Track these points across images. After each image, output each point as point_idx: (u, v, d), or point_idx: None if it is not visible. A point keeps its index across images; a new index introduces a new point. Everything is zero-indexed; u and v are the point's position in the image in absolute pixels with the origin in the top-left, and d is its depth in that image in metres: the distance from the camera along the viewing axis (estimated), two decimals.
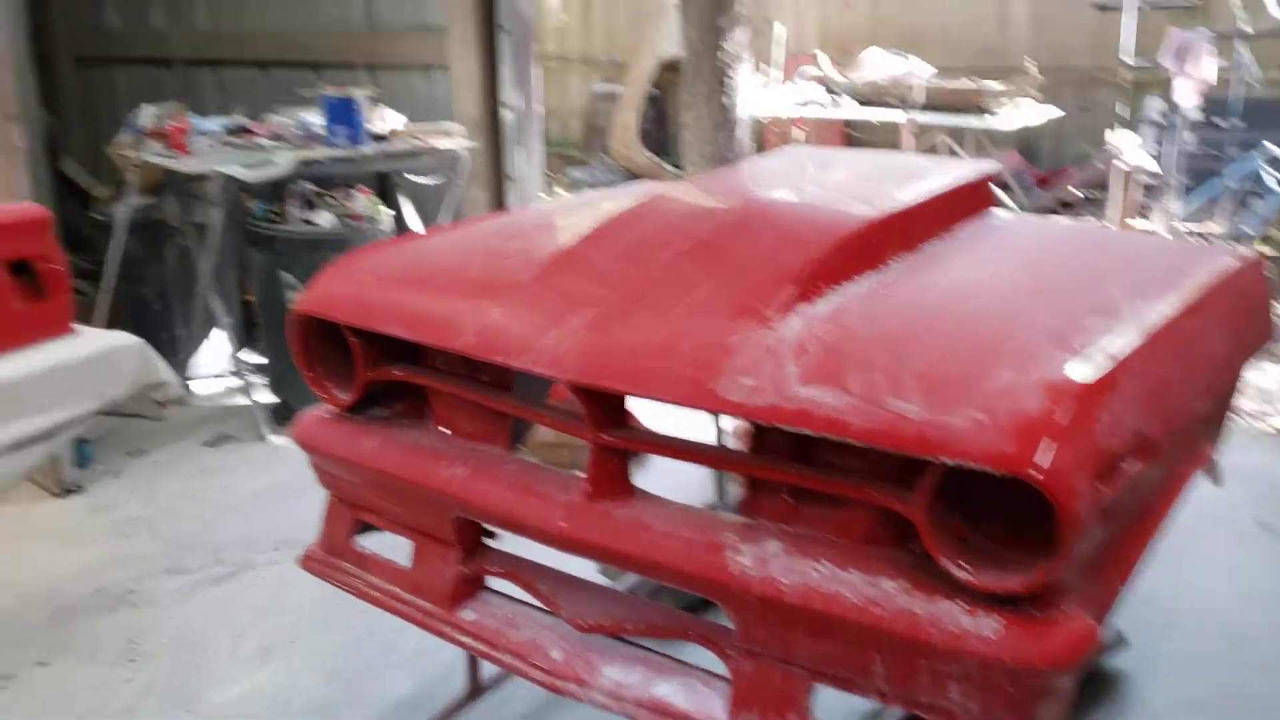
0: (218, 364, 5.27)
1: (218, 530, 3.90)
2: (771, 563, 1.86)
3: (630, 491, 2.15)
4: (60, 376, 2.50)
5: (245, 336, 5.01)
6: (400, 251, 2.87)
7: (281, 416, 4.80)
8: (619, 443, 2.12)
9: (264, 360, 4.99)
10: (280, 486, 4.23)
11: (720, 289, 2.13)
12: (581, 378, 2.05)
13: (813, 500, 1.94)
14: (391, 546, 2.54)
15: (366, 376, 2.58)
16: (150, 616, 3.39)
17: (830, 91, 7.62)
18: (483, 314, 2.34)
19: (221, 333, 4.92)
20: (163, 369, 2.76)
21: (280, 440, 4.66)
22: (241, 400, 4.87)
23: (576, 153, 9.35)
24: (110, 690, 3.05)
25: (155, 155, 4.59)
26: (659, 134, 8.99)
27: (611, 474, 2.14)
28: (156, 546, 3.81)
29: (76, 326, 2.69)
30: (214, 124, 4.92)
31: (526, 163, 5.06)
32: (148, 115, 4.89)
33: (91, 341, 2.65)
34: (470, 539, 2.44)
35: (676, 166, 7.94)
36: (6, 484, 2.42)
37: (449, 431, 2.55)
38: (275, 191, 4.61)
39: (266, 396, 4.88)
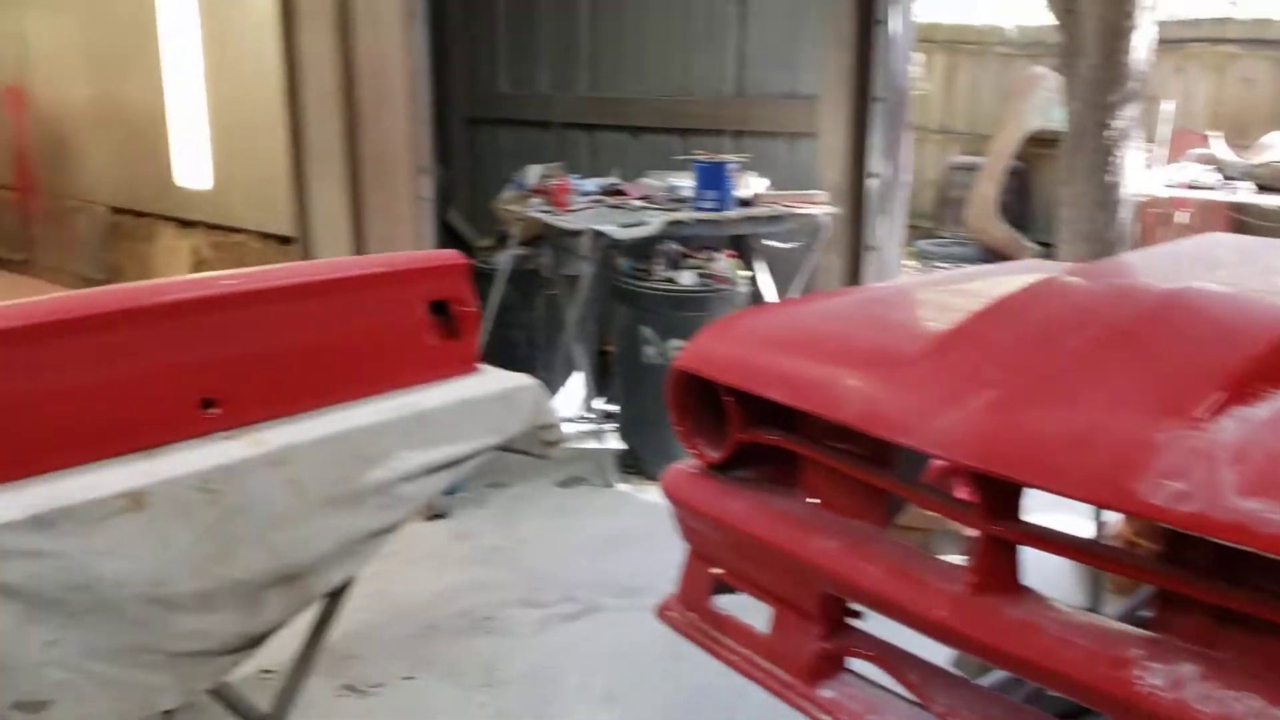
0: (572, 409, 5.54)
1: (569, 568, 4.07)
2: (1187, 687, 1.69)
3: (1019, 588, 2.03)
4: (468, 410, 2.69)
5: (599, 385, 5.23)
6: (781, 315, 2.88)
7: (629, 464, 4.97)
8: (1012, 535, 2.01)
9: (615, 408, 5.18)
10: (628, 532, 4.37)
11: (1141, 382, 1.98)
12: (979, 463, 1.96)
13: (1239, 623, 1.75)
14: (746, 607, 2.55)
15: (739, 437, 2.61)
16: (506, 645, 3.57)
17: (1222, 174, 7.08)
18: (869, 385, 2.30)
19: (579, 379, 5.17)
20: (554, 412, 2.92)
21: (627, 487, 4.81)
22: (592, 445, 5.09)
23: (928, 224, 9.20)
24: (466, 711, 3.22)
25: (538, 211, 4.90)
26: (1019, 208, 8.67)
27: (1001, 567, 2.03)
28: (513, 577, 4.02)
29: (481, 365, 2.89)
30: (591, 184, 5.21)
31: (888, 233, 5.01)
32: (533, 174, 5.25)
33: (495, 380, 2.83)
34: (835, 616, 2.39)
35: (1039, 243, 7.62)
36: (418, 505, 2.60)
37: (819, 502, 2.52)
38: (643, 250, 4.80)
39: (616, 444, 5.06)
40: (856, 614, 2.40)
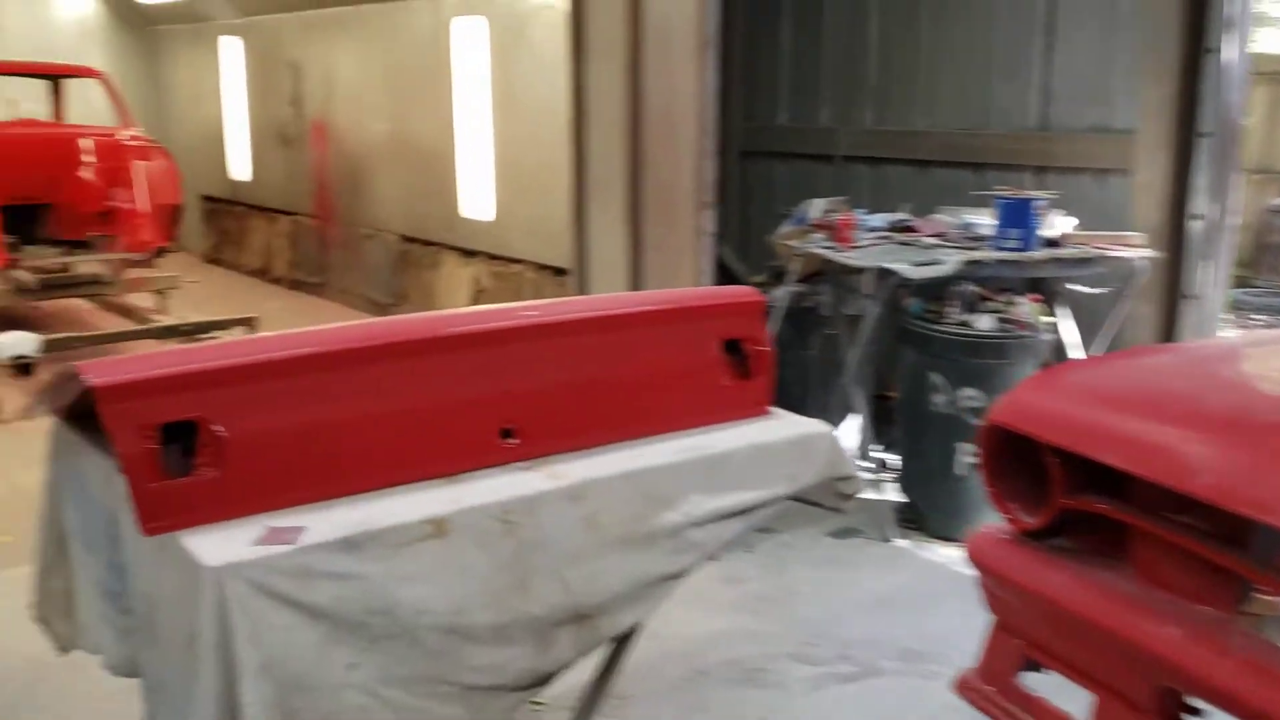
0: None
1: (844, 625, 3.87)
2: None
3: None
4: (761, 456, 2.57)
5: (876, 432, 5.00)
6: (1114, 370, 2.64)
7: (908, 518, 4.72)
8: None
9: (895, 458, 4.93)
10: (906, 592, 4.13)
11: None
12: None
13: None
14: (1057, 689, 2.30)
15: (1062, 503, 2.38)
16: (779, 699, 3.41)
17: None
18: (1226, 455, 2.04)
19: (855, 425, 4.95)
20: (850, 462, 2.76)
21: (905, 543, 4.57)
22: (868, 495, 4.85)
23: (1243, 272, 8.42)
24: None
25: (819, 247, 4.75)
26: None
27: None
28: (784, 629, 3.86)
29: (773, 409, 2.77)
30: (878, 220, 5.01)
31: (1210, 281, 4.55)
32: (815, 208, 5.10)
33: (789, 425, 2.70)
34: (1171, 711, 2.13)
35: None
36: (708, 553, 2.50)
37: (1153, 581, 2.24)
38: (935, 291, 4.55)
39: (894, 495, 4.82)
40: (1195, 710, 2.13)
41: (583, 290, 5.75)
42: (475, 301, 8.25)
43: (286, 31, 10.13)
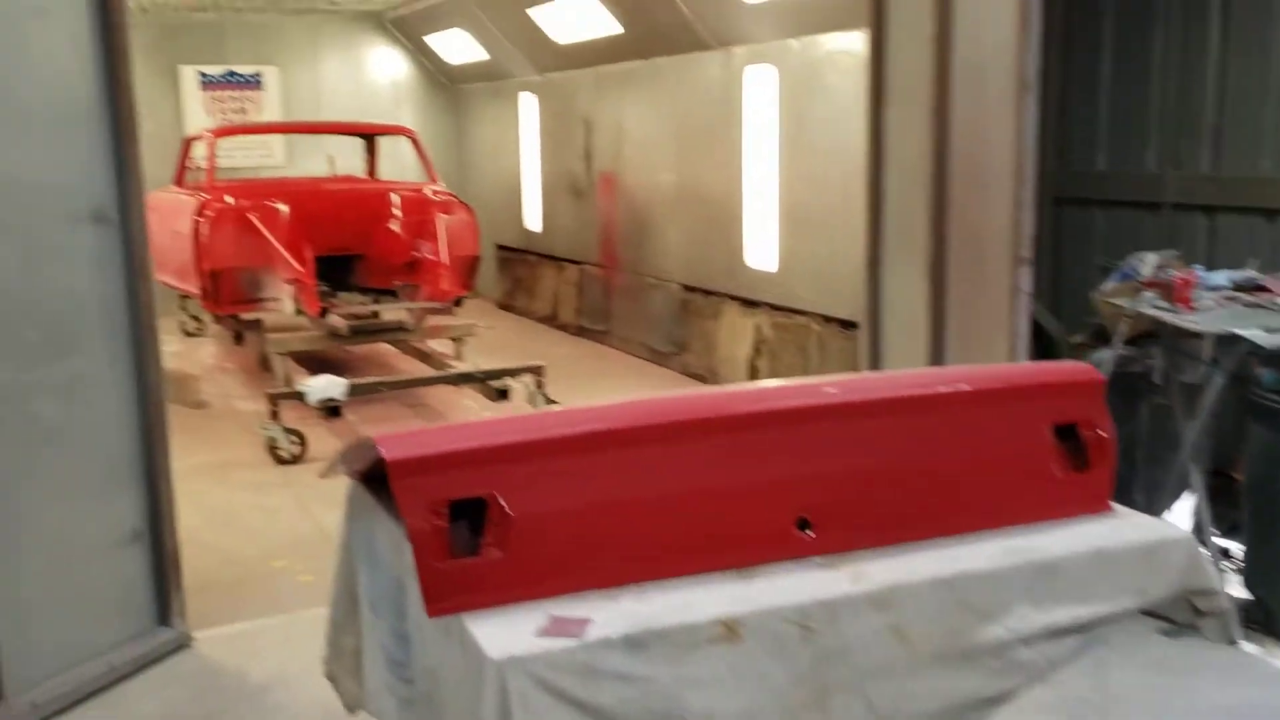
0: None
1: None
2: None
3: None
4: (1102, 563, 2.22)
5: (1216, 516, 4.40)
6: None
7: (1256, 618, 4.09)
8: None
9: (1239, 547, 4.32)
10: (1258, 708, 3.49)
11: None
12: None
13: None
14: None
15: None
16: None
17: None
18: None
19: (1189, 507, 4.38)
20: (1211, 573, 2.34)
21: (1253, 648, 3.95)
22: None
23: None
24: None
25: (1152, 307, 4.25)
26: None
27: None
28: None
29: (1115, 506, 2.40)
30: (1220, 278, 4.44)
31: None
32: (1146, 263, 4.59)
33: (1135, 527, 2.33)
34: None
35: None
36: (1037, 674, 2.17)
37: None
38: None
39: (1238, 590, 4.20)
40: None
41: (875, 347, 5.44)
42: (756, 352, 8.08)
43: (580, 87, 10.42)
